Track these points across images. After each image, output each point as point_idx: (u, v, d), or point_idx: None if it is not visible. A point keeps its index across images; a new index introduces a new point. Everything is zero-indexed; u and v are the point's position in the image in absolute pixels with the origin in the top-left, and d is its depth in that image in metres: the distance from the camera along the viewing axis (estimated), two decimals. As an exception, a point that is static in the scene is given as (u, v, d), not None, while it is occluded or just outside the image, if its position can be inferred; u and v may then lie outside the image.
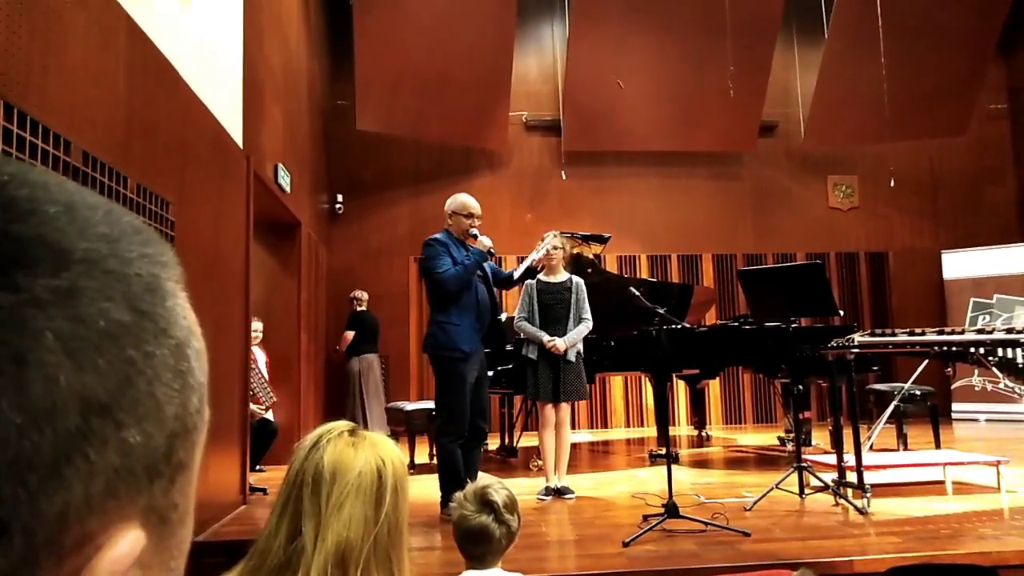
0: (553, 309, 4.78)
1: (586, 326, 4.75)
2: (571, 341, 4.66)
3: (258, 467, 5.67)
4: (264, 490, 4.96)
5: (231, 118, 4.60)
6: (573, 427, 5.17)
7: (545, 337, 4.61)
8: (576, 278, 4.89)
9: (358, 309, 7.69)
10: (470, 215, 4.27)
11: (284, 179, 6.06)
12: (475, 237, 4.23)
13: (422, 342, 8.75)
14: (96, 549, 0.26)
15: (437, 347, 4.18)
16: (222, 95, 4.43)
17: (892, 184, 9.35)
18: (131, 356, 0.28)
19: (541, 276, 4.88)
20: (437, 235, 4.28)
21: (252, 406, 5.17)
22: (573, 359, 4.70)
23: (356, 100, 8.11)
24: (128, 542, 0.27)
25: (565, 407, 4.72)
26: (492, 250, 4.30)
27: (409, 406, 6.29)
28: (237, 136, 4.71)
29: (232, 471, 4.50)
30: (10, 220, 0.26)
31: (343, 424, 1.19)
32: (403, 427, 6.17)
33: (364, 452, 1.14)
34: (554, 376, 4.65)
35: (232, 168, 4.63)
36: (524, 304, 4.81)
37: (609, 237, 6.51)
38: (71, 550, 0.26)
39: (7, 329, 0.25)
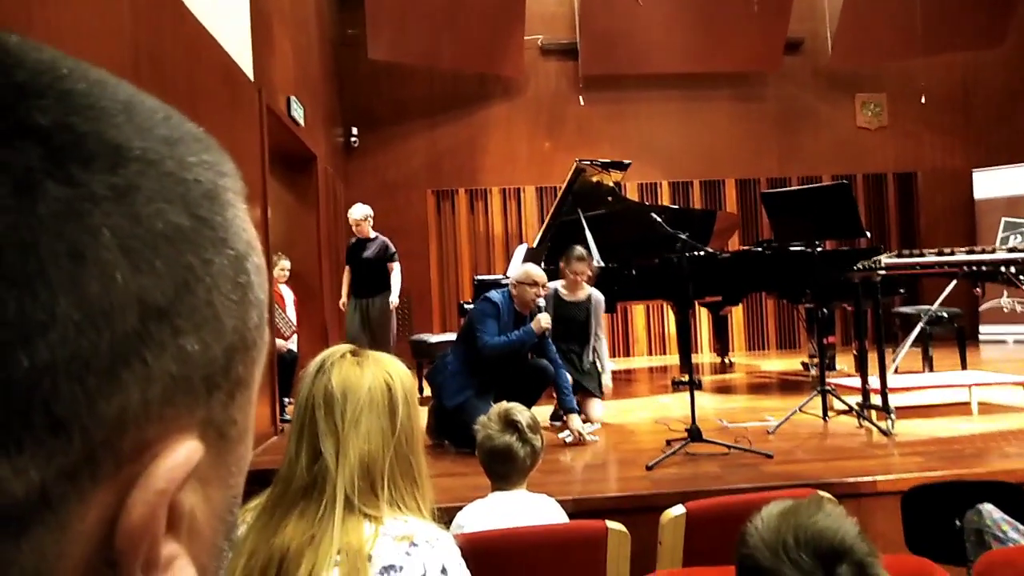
0: (570, 326, 4.65)
1: (604, 348, 4.80)
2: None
3: (287, 400, 5.79)
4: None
5: (240, 50, 4.50)
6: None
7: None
8: (596, 294, 4.75)
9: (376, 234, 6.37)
10: (534, 283, 4.15)
11: (297, 112, 5.97)
12: (540, 309, 4.12)
13: (443, 276, 8.90)
14: (153, 457, 0.26)
15: (434, 374, 4.28)
16: (229, 26, 4.32)
17: (923, 101, 9.02)
18: (189, 262, 0.27)
19: (562, 291, 4.70)
20: (496, 294, 4.23)
21: (278, 341, 5.25)
22: (587, 365, 4.72)
23: (367, 28, 7.90)
24: (185, 451, 0.27)
25: (596, 402, 4.64)
26: (547, 333, 4.17)
27: (433, 338, 6.35)
28: (247, 68, 4.62)
29: (263, 403, 4.60)
30: (66, 112, 0.25)
31: (344, 347, 1.23)
32: (428, 359, 6.24)
33: (370, 369, 1.18)
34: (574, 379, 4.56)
35: (243, 101, 4.56)
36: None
37: (629, 164, 6.39)
38: (129, 456, 0.25)
39: (63, 222, 0.24)
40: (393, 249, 6.31)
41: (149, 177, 0.26)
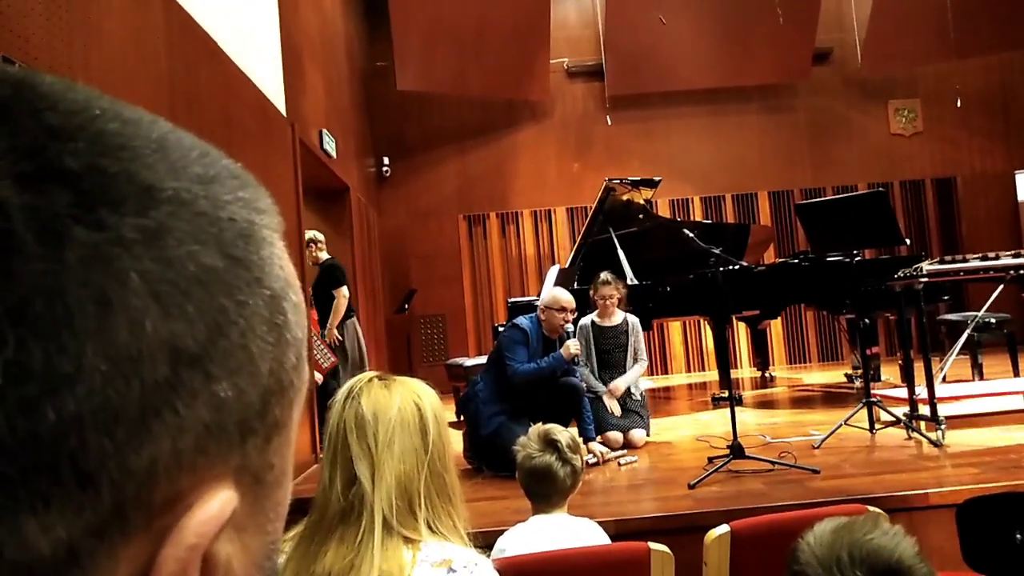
0: (610, 354, 4.61)
1: (641, 367, 4.64)
2: (629, 381, 4.56)
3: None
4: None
5: (272, 86, 4.62)
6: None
7: (602, 391, 4.50)
8: (631, 318, 4.67)
9: (328, 256, 5.71)
10: (562, 308, 4.12)
11: (329, 144, 6.09)
12: (569, 334, 4.09)
13: (477, 299, 8.94)
14: (186, 508, 0.25)
15: (466, 402, 4.23)
16: (261, 64, 4.44)
17: (959, 104, 8.85)
18: (222, 304, 0.26)
19: (596, 319, 4.66)
20: (523, 320, 4.20)
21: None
22: (637, 396, 4.58)
23: (395, 60, 8.05)
24: (219, 502, 0.26)
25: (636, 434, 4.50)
26: (577, 359, 4.16)
27: (468, 362, 6.36)
28: (280, 104, 4.73)
29: (303, 432, 4.64)
30: (98, 154, 0.25)
31: (370, 373, 1.26)
32: (463, 383, 6.24)
33: (398, 391, 1.21)
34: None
35: (277, 136, 4.67)
36: (581, 347, 4.54)
37: (659, 181, 6.37)
38: (160, 508, 0.25)
39: (91, 268, 0.23)
40: (338, 273, 5.50)
41: (181, 218, 0.25)
